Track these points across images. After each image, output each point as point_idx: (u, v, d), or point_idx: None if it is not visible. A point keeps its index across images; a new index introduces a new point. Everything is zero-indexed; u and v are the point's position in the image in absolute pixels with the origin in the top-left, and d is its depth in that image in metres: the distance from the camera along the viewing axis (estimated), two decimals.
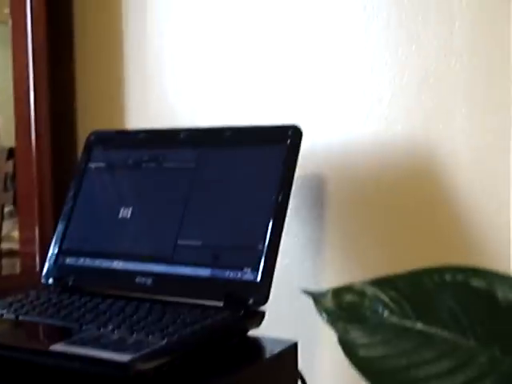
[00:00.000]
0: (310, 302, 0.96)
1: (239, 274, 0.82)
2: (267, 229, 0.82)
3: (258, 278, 0.80)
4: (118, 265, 0.90)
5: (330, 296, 0.46)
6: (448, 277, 0.46)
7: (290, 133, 0.86)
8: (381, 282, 0.46)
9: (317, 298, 0.46)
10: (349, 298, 0.46)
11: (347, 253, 0.96)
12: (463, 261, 0.83)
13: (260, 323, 0.80)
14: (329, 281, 0.96)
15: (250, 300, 0.79)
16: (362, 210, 0.93)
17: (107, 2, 1.13)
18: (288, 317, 0.90)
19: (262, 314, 0.80)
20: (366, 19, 0.90)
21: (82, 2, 1.16)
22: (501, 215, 0.83)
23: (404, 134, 0.89)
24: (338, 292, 0.47)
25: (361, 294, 0.46)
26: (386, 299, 0.45)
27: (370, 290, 0.46)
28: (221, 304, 0.81)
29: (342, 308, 0.45)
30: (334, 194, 0.95)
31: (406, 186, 0.89)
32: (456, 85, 0.85)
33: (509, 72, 0.82)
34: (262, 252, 0.81)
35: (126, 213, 0.93)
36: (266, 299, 0.79)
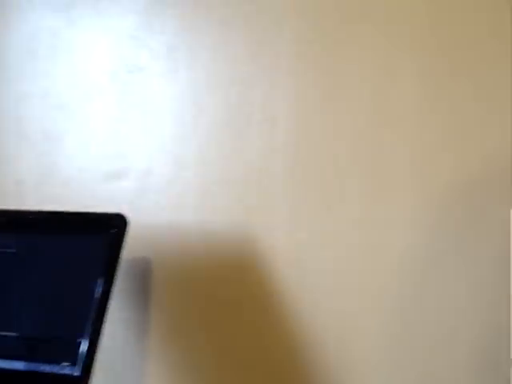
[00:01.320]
0: None
1: (57, 369, 0.80)
2: (88, 321, 0.81)
3: (77, 373, 0.79)
4: None
5: None
6: None
7: (115, 221, 0.86)
8: None
9: None
10: None
11: (172, 337, 0.96)
12: (292, 350, 0.88)
13: None
14: (153, 365, 0.96)
15: None
16: (186, 297, 0.95)
17: None
18: None
19: None
20: (195, 114, 0.94)
21: None
22: (319, 315, 0.88)
23: (228, 225, 0.92)
24: None
25: None
26: None
27: None
28: None
29: None
30: (160, 279, 0.96)
31: (228, 276, 0.92)
32: (278, 181, 0.90)
33: (329, 170, 0.88)
34: (82, 345, 0.80)
35: None
36: None
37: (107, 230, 0.86)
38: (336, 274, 0.87)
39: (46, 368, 0.80)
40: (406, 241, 0.84)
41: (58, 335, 0.82)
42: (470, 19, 0.81)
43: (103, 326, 0.81)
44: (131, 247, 0.90)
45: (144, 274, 0.97)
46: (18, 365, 0.81)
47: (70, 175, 1.02)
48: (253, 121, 0.91)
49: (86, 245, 0.87)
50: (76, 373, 0.79)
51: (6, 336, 0.83)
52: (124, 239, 0.86)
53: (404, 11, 0.84)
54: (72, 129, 1.02)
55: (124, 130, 0.99)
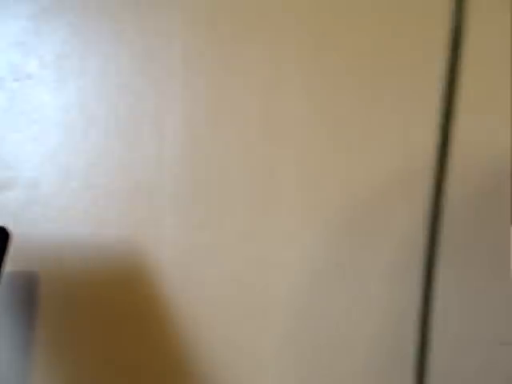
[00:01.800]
0: None
1: None
2: None
3: None
4: None
5: None
6: None
7: None
8: None
9: None
10: None
11: (59, 352, 0.94)
12: (180, 362, 0.87)
13: None
14: (39, 380, 0.94)
15: None
16: (73, 311, 0.93)
17: None
18: None
19: None
20: (84, 125, 0.92)
21: None
22: (208, 328, 0.87)
23: (116, 238, 0.91)
24: None
25: None
26: None
27: None
28: None
29: None
30: (46, 293, 0.93)
31: (116, 289, 0.91)
32: (166, 194, 0.90)
33: (217, 184, 0.88)
34: None
35: None
36: None
37: None
38: (223, 287, 0.87)
39: None
40: (293, 254, 0.84)
41: None
42: (355, 34, 0.83)
43: None
44: (17, 260, 0.88)
45: (30, 287, 0.94)
46: None
47: None
48: (143, 133, 0.90)
49: None
50: None
51: None
52: (5, 253, 0.83)
53: (291, 25, 0.85)
54: None
55: (11, 139, 0.96)
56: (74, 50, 0.94)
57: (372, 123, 0.82)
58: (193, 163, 0.88)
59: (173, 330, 0.89)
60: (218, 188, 0.87)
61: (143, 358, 0.90)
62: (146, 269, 0.89)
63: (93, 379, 0.92)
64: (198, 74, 0.88)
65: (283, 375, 0.84)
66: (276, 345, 0.85)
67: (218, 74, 0.88)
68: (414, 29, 0.80)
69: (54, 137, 0.94)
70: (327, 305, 0.83)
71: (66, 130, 0.93)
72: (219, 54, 0.87)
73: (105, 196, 0.91)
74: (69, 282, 0.93)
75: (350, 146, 0.83)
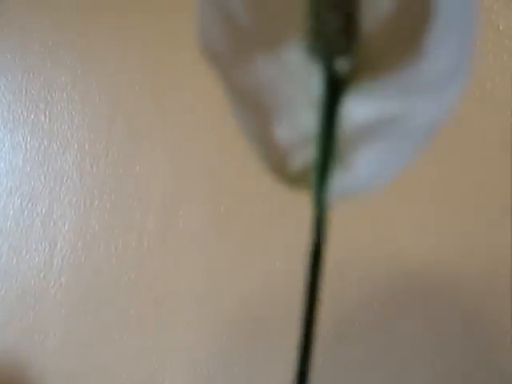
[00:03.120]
0: None
1: None
2: None
3: None
4: None
5: None
6: None
7: None
8: None
9: None
10: None
11: None
12: None
13: None
14: None
15: None
16: None
17: None
18: None
19: None
20: None
21: None
22: None
23: (0, 345, 0.87)
24: None
25: None
26: None
27: None
28: None
29: None
30: None
31: None
32: (52, 304, 0.86)
33: (109, 296, 0.86)
34: None
35: None
36: None
37: None
38: None
39: None
40: (187, 370, 0.83)
41: None
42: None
43: None
44: None
45: None
46: None
47: None
48: (32, 238, 0.87)
49: None
50: None
51: None
52: None
53: (189, 129, 0.84)
54: None
55: None
56: None
57: (268, 240, 0.82)
58: (83, 272, 0.86)
59: None
60: (109, 299, 0.85)
61: None
62: (30, 380, 0.86)
63: None
64: (92, 180, 0.86)
65: None
66: None
67: (113, 181, 0.85)
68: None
69: None
70: None
71: None
72: (114, 159, 0.85)
73: None
74: None
75: (247, 260, 0.82)
